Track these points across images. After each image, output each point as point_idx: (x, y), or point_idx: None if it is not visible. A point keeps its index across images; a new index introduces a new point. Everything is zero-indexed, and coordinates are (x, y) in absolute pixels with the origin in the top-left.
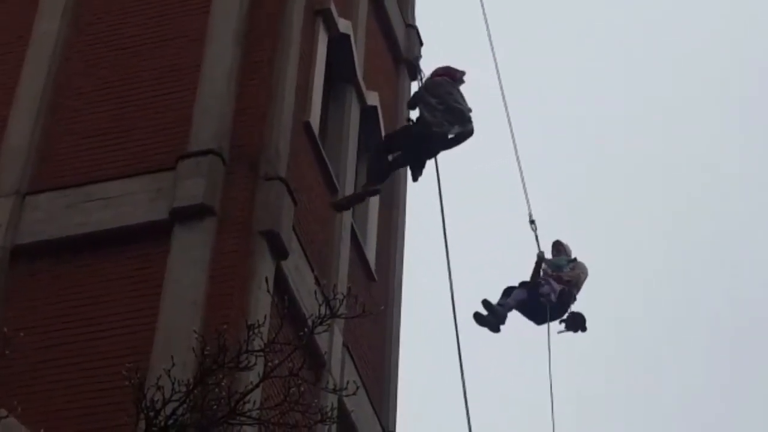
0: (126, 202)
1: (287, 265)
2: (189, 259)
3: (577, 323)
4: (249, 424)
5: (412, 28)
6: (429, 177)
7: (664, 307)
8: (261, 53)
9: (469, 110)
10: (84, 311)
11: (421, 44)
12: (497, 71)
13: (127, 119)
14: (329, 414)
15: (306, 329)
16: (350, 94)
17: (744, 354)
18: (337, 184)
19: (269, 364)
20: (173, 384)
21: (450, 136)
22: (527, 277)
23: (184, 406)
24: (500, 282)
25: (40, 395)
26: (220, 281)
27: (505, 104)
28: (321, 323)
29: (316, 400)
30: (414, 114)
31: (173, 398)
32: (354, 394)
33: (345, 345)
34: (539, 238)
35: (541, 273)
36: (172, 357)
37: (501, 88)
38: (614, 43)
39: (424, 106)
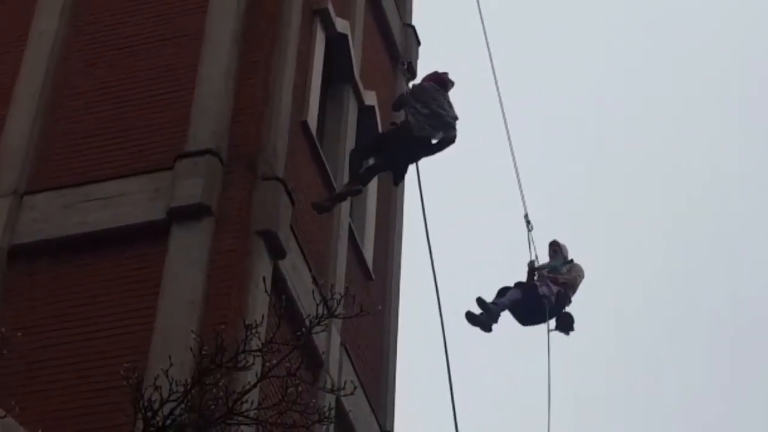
0: (124, 202)
1: (285, 265)
2: (187, 258)
3: (566, 323)
4: (247, 424)
5: (409, 28)
6: (427, 177)
7: (664, 307)
8: (258, 53)
9: (455, 118)
10: (82, 311)
11: (419, 44)
12: (493, 71)
13: (125, 119)
14: (327, 414)
15: (304, 329)
16: (348, 93)
17: (744, 354)
18: (334, 184)
19: (267, 363)
20: (171, 384)
21: (433, 141)
22: (522, 278)
23: (182, 406)
24: (498, 282)
25: (38, 395)
26: (218, 281)
27: (501, 104)
28: (319, 323)
29: (313, 400)
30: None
31: (171, 398)
32: (352, 393)
33: (343, 345)
34: (534, 239)
35: (536, 275)
36: (169, 357)
37: (497, 87)
38: (614, 43)
39: (409, 109)
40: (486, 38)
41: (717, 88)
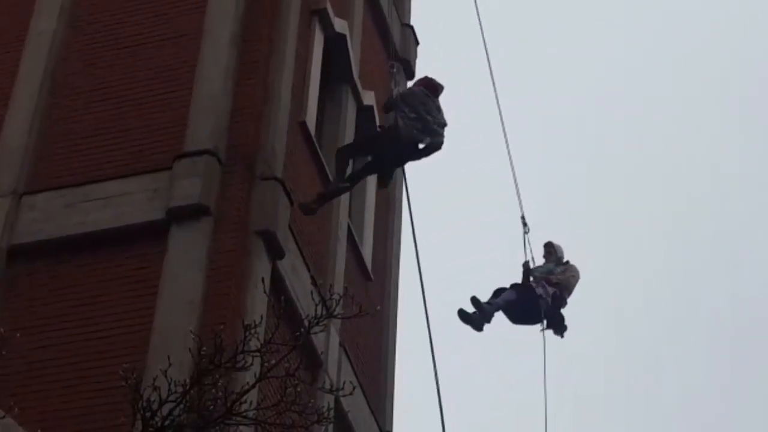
0: (123, 202)
1: (284, 265)
2: (186, 259)
3: (558, 325)
4: (245, 425)
5: (407, 28)
6: (427, 177)
7: (664, 307)
8: (257, 53)
9: (442, 124)
10: (81, 311)
11: (417, 44)
12: (490, 71)
13: (124, 119)
14: (326, 414)
15: (302, 329)
16: (346, 93)
17: (744, 354)
18: None
19: (266, 364)
20: (170, 384)
21: (420, 146)
22: (518, 280)
23: (181, 406)
24: (497, 282)
25: (37, 395)
26: (217, 281)
27: (498, 104)
28: (317, 323)
29: (312, 401)
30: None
31: (170, 398)
32: (350, 394)
33: (342, 345)
34: (531, 240)
35: (531, 278)
36: (168, 357)
37: (494, 88)
38: (614, 43)
39: (398, 112)
40: (483, 38)
41: (717, 88)
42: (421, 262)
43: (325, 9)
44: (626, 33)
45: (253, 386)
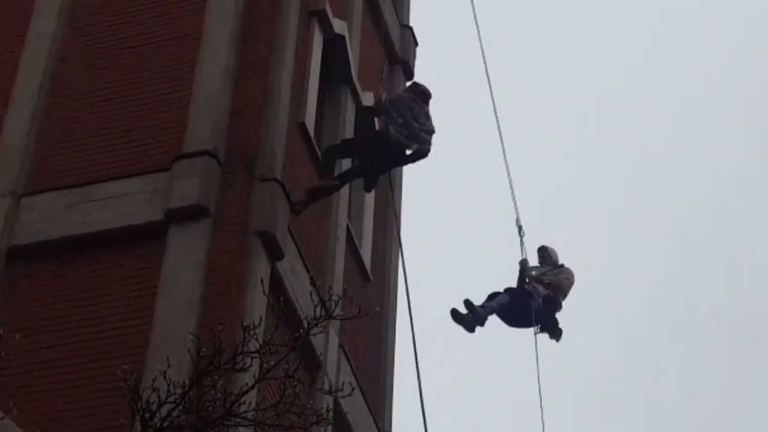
0: (123, 202)
1: (283, 266)
2: (185, 259)
3: (553, 329)
4: (244, 426)
5: (407, 29)
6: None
7: (664, 307)
8: (256, 54)
9: (430, 131)
10: (81, 312)
11: (416, 44)
12: (486, 72)
13: (123, 120)
14: (325, 415)
15: (301, 330)
16: (345, 94)
17: (744, 354)
18: None
19: (265, 365)
20: (169, 385)
21: (408, 152)
22: (513, 283)
23: (180, 407)
24: (495, 283)
25: (37, 396)
26: (216, 282)
27: (494, 106)
28: (316, 324)
29: (311, 402)
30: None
31: (169, 399)
32: (350, 395)
33: (341, 346)
34: (526, 244)
35: (527, 278)
36: (167, 358)
37: (490, 90)
38: (614, 43)
39: (387, 117)
40: (480, 39)
41: (717, 88)
42: (425, 263)
43: (324, 10)
44: (626, 33)
45: (252, 387)
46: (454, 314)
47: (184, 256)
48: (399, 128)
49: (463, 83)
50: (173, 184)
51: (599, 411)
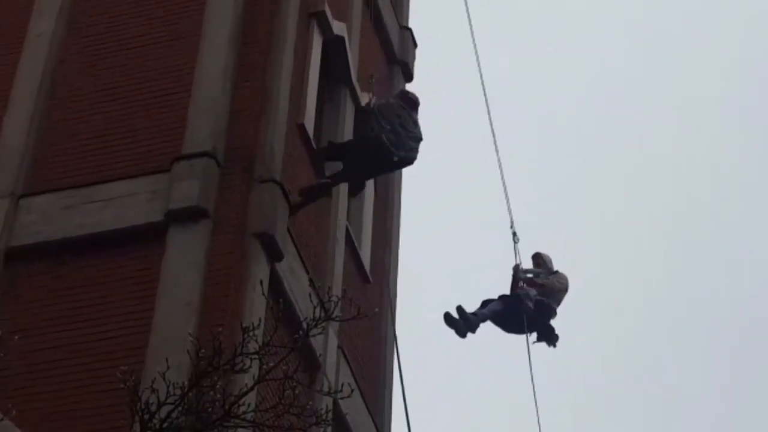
0: (122, 204)
1: (282, 267)
2: (184, 261)
3: (549, 336)
4: (244, 427)
5: (406, 30)
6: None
7: (664, 307)
8: (256, 55)
9: (417, 138)
10: (81, 313)
11: (416, 46)
12: (480, 73)
13: (122, 121)
14: (324, 416)
15: (301, 332)
16: (345, 96)
17: (744, 354)
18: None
19: (264, 366)
20: (168, 386)
21: (395, 158)
22: (510, 284)
23: (179, 408)
24: (493, 284)
25: (36, 397)
26: (215, 283)
27: (488, 108)
28: (316, 325)
29: (311, 403)
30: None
31: (168, 401)
32: (349, 396)
33: (340, 347)
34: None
35: (521, 283)
36: (167, 359)
37: (484, 92)
38: (614, 43)
39: (376, 123)
40: (473, 39)
41: (717, 88)
42: (425, 263)
43: (324, 11)
44: (626, 33)
45: (252, 388)
46: (447, 318)
47: (184, 257)
48: (386, 134)
49: (462, 84)
50: (173, 186)
51: (599, 411)
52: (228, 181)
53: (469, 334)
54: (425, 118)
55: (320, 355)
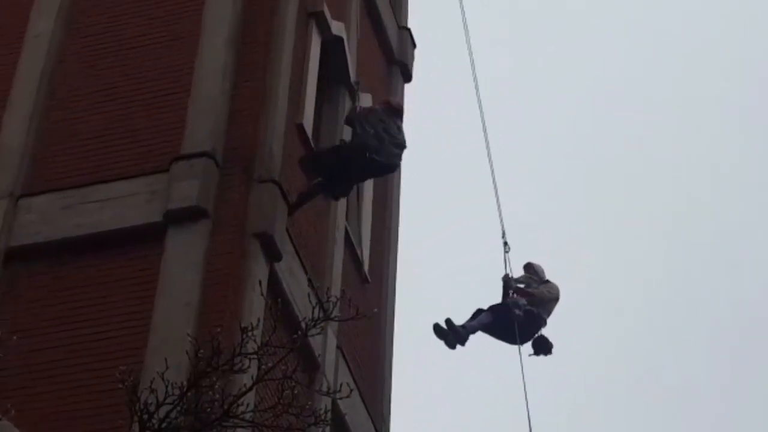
0: (121, 204)
1: (281, 268)
2: (183, 261)
3: (543, 346)
4: (243, 427)
5: (405, 31)
6: (426, 177)
7: (664, 307)
8: (254, 55)
9: (400, 145)
10: (81, 313)
11: (414, 46)
12: (474, 74)
13: (121, 121)
14: (323, 416)
15: (300, 332)
16: (343, 96)
17: (744, 354)
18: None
19: (263, 366)
20: (167, 386)
21: (376, 163)
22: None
23: (178, 408)
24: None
25: (36, 398)
26: (214, 283)
27: (481, 109)
28: (314, 326)
29: (309, 403)
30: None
31: (167, 401)
32: (348, 396)
33: (339, 347)
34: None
35: (511, 291)
36: (165, 359)
37: (478, 94)
38: (614, 43)
39: (359, 128)
40: (468, 41)
41: (717, 88)
42: (424, 263)
43: (323, 12)
44: (626, 33)
45: (251, 389)
46: (437, 329)
47: (183, 257)
48: (369, 139)
49: (461, 84)
50: (172, 186)
51: (599, 411)
52: (227, 181)
53: (458, 347)
54: (425, 119)
55: (319, 355)
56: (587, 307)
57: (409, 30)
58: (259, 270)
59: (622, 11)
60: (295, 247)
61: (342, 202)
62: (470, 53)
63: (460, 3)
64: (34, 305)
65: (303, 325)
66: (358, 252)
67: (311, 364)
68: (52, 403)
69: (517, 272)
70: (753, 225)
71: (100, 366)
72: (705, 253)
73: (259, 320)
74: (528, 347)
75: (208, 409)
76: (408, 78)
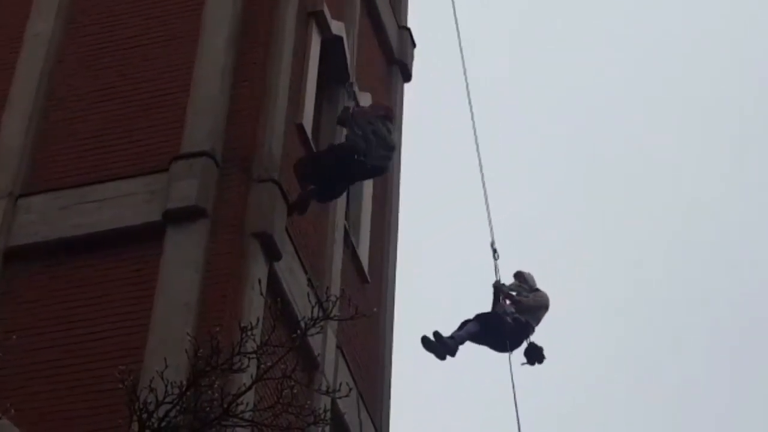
0: (120, 203)
1: (280, 267)
2: (182, 260)
3: (534, 355)
4: (242, 426)
5: (404, 30)
6: (425, 177)
7: (664, 307)
8: (254, 55)
9: (390, 147)
10: (80, 313)
11: (414, 46)
12: (465, 76)
13: (121, 121)
14: (322, 416)
15: (299, 331)
16: (343, 95)
17: (744, 354)
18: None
19: (262, 366)
20: (166, 386)
21: (364, 165)
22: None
23: (177, 407)
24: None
25: (35, 397)
26: (213, 283)
27: (472, 110)
28: (314, 325)
29: (309, 402)
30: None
31: (166, 400)
32: (347, 395)
33: (338, 347)
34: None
35: (501, 298)
36: (165, 359)
37: (468, 97)
38: (614, 43)
39: (349, 129)
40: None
41: (717, 88)
42: (424, 264)
43: (322, 11)
44: (626, 34)
45: (250, 388)
46: (425, 342)
47: (182, 257)
48: (358, 140)
49: (462, 83)
50: (171, 185)
51: (599, 411)
52: (226, 180)
53: (449, 357)
54: (424, 118)
55: (318, 354)
56: (587, 307)
57: (408, 30)
58: (259, 269)
59: (621, 11)
60: (294, 246)
61: (342, 202)
62: (461, 53)
63: (452, 4)
64: (33, 305)
65: (302, 324)
66: (358, 251)
67: (310, 364)
68: (50, 403)
69: (506, 279)
70: (753, 225)
71: (99, 366)
72: (705, 253)
73: (258, 319)
74: (520, 356)
75: (208, 409)
76: (408, 78)
